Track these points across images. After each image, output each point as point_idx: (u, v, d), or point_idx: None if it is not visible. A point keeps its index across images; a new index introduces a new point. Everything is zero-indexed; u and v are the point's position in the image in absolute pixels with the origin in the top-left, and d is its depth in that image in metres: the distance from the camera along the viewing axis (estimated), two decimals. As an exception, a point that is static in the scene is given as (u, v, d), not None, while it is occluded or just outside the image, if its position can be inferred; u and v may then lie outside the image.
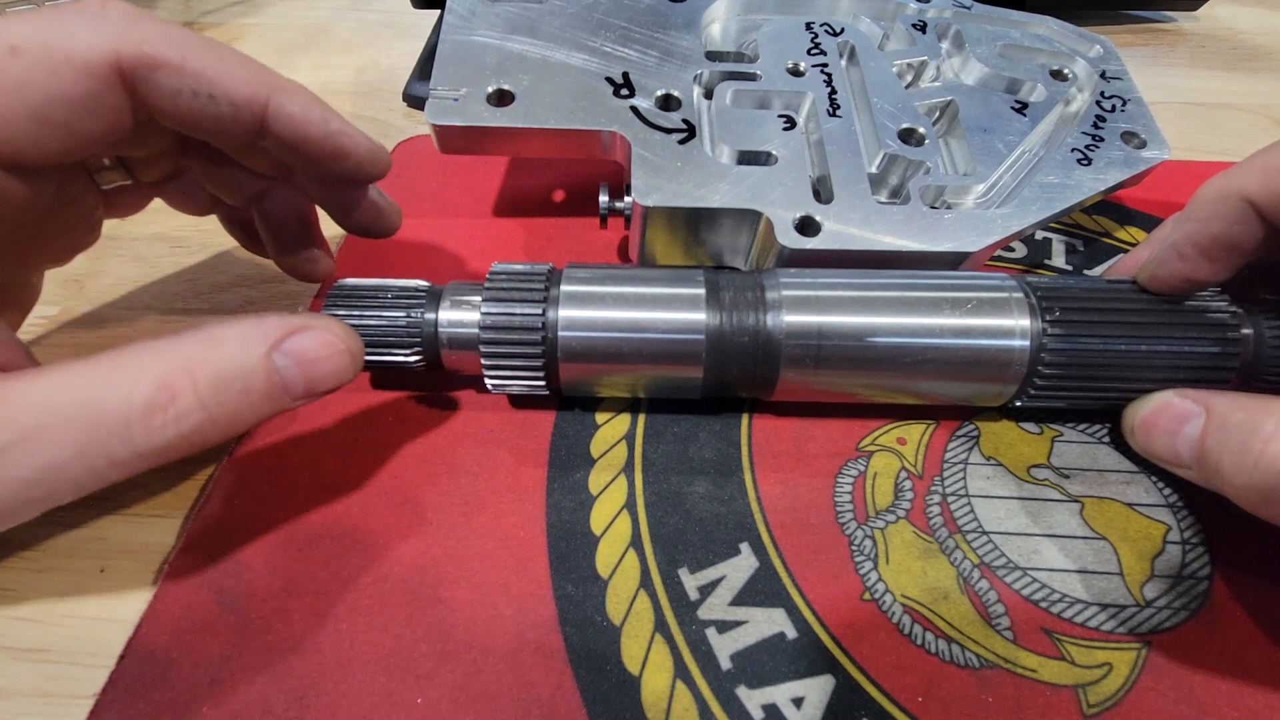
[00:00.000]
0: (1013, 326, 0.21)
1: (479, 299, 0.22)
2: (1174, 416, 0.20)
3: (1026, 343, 0.21)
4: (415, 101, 0.37)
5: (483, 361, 0.22)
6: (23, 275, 0.22)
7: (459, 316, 0.22)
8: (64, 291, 0.28)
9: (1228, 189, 0.19)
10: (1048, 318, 0.21)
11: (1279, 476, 0.17)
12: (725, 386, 0.23)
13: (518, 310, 0.22)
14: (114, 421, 0.16)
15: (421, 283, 0.23)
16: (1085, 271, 0.29)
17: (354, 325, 0.22)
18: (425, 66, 0.38)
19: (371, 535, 0.22)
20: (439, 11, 0.31)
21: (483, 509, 0.22)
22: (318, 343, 0.19)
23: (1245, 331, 0.21)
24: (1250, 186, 0.19)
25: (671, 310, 0.22)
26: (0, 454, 0.15)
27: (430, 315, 0.22)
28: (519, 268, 0.23)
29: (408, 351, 0.23)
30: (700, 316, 0.22)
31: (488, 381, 0.23)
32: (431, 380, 0.25)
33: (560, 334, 0.22)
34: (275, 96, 0.19)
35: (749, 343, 0.22)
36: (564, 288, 0.22)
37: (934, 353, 0.21)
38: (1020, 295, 0.22)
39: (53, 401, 0.16)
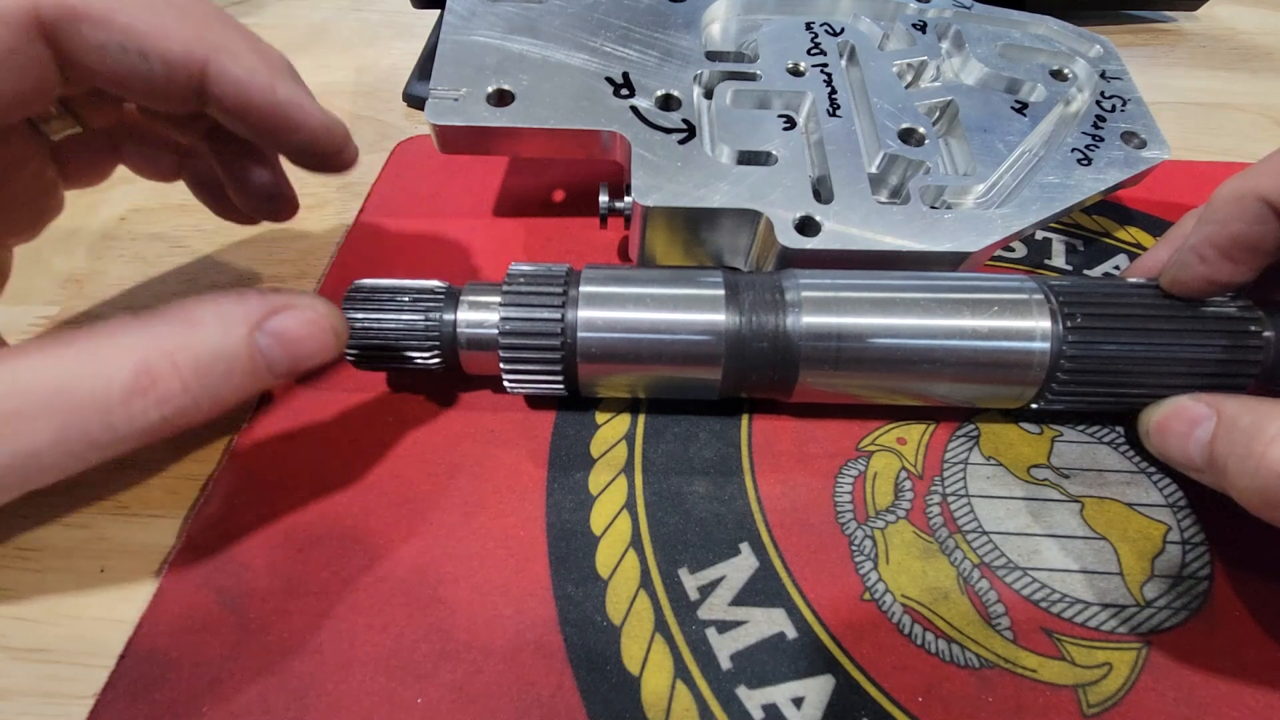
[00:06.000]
0: (1033, 329, 0.21)
1: (497, 300, 0.22)
2: (1187, 420, 0.20)
3: (1047, 345, 0.21)
4: (415, 101, 0.37)
5: (502, 363, 0.22)
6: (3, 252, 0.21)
7: (477, 317, 0.22)
8: (64, 291, 0.28)
9: (1244, 190, 0.19)
10: (1069, 322, 0.21)
11: (1279, 479, 0.17)
12: (743, 388, 0.23)
13: (537, 312, 0.22)
14: (92, 407, 0.16)
15: (438, 283, 0.23)
16: (1086, 271, 0.29)
17: (372, 327, 0.22)
18: (425, 66, 0.38)
19: (371, 535, 0.22)
20: (439, 11, 0.31)
21: (483, 509, 0.22)
22: (301, 321, 0.18)
23: (1266, 335, 0.21)
24: (1266, 186, 0.19)
25: (691, 311, 0.22)
26: None
27: (449, 316, 0.22)
28: (537, 268, 0.23)
29: (427, 354, 0.23)
30: (720, 318, 0.22)
31: (506, 382, 0.23)
32: (440, 380, 0.25)
33: (580, 335, 0.22)
34: (215, 56, 0.17)
35: (768, 345, 0.22)
36: (583, 288, 0.22)
37: (954, 355, 0.21)
38: (1040, 298, 0.22)
39: (27, 387, 0.15)
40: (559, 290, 0.22)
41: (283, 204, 0.24)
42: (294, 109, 0.19)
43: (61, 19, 0.16)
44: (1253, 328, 0.21)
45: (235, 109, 0.18)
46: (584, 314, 0.22)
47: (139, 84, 0.17)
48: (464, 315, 0.22)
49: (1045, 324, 0.21)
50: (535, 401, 0.25)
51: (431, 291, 0.23)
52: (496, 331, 0.22)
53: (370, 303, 0.23)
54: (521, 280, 0.22)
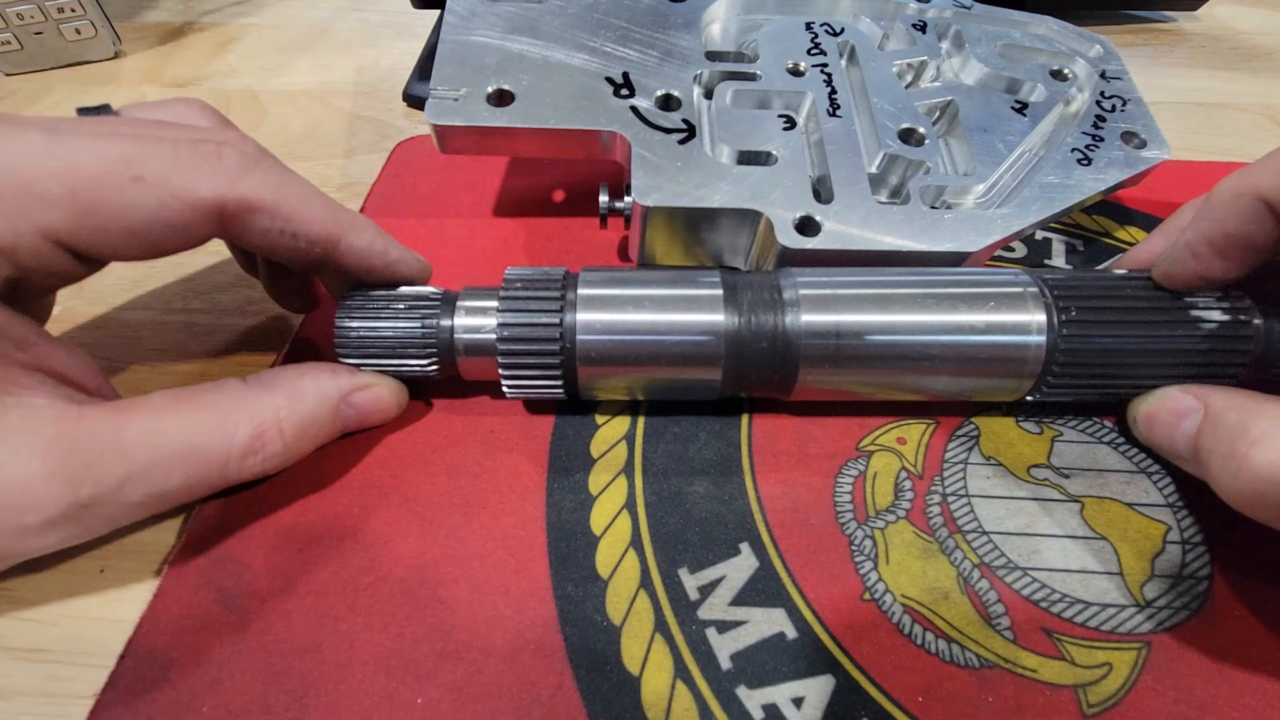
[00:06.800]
0: (1029, 322, 0.21)
1: (494, 305, 0.22)
2: (1174, 411, 0.21)
3: (1043, 338, 0.21)
4: (415, 101, 0.37)
5: (500, 369, 0.22)
6: (49, 296, 0.23)
7: (475, 323, 0.22)
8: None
9: (1243, 188, 0.19)
10: (1063, 315, 0.21)
11: (1260, 480, 0.17)
12: (743, 388, 0.23)
13: (535, 316, 0.22)
14: (216, 461, 0.19)
15: (434, 289, 0.23)
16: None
17: (369, 335, 0.22)
18: (425, 66, 0.38)
19: (371, 535, 0.22)
20: (439, 11, 0.31)
21: (483, 509, 0.22)
22: (374, 398, 0.23)
23: (1255, 324, 0.21)
24: (1265, 185, 0.19)
25: (690, 312, 0.22)
26: (120, 484, 0.18)
27: (446, 323, 0.22)
28: (534, 272, 0.23)
29: (425, 362, 0.22)
30: (719, 318, 0.22)
31: (505, 388, 0.23)
32: (440, 380, 0.25)
33: (579, 338, 0.21)
34: (346, 235, 0.21)
35: (767, 344, 0.22)
36: (581, 291, 0.22)
37: (951, 350, 0.21)
38: (1035, 291, 0.22)
39: (166, 441, 0.19)
40: (557, 294, 0.22)
41: (310, 301, 0.27)
42: (402, 266, 0.23)
43: (241, 212, 0.19)
44: (1242, 318, 0.21)
45: (356, 269, 0.22)
46: (582, 317, 0.22)
47: (282, 253, 0.21)
48: (461, 321, 0.22)
49: (1040, 317, 0.21)
50: (535, 403, 0.25)
51: (427, 298, 0.23)
52: (494, 337, 0.22)
53: (366, 310, 0.22)
54: (518, 285, 0.22)
